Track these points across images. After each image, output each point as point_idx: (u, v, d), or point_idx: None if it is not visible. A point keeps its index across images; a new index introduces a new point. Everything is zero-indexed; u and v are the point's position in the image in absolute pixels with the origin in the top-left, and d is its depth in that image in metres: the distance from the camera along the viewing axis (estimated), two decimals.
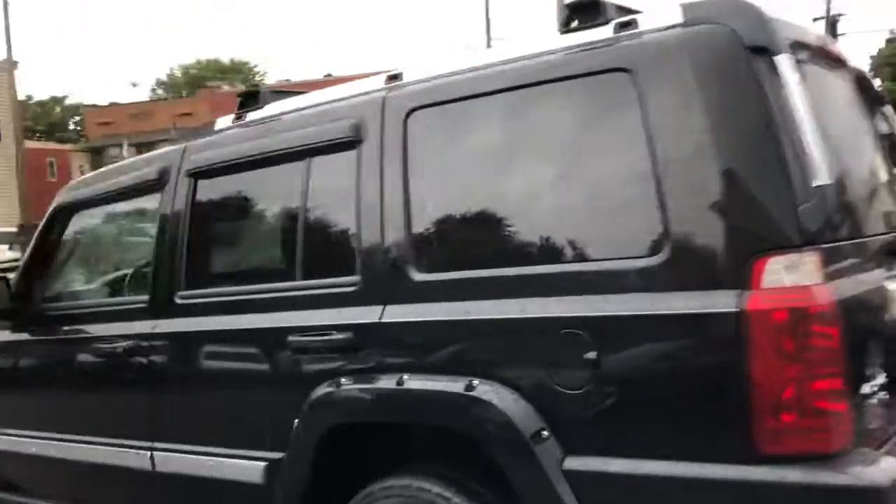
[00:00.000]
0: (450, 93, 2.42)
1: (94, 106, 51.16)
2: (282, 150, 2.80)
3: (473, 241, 2.36)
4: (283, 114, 2.95)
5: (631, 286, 2.03)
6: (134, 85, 73.33)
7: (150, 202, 3.26)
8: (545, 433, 2.10)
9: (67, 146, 47.88)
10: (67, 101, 61.40)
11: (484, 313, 2.24)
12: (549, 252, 2.19)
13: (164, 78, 63.82)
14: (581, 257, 2.13)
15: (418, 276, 2.39)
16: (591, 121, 2.18)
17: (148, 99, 55.52)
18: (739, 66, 1.99)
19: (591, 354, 2.05)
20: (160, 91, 61.94)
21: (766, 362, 1.87)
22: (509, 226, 2.27)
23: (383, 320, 2.43)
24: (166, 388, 3.01)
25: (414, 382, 2.33)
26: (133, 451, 3.11)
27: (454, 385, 2.24)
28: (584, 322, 2.07)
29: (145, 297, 3.15)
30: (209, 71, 59.27)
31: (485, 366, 2.22)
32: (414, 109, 2.49)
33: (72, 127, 60.36)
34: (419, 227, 2.43)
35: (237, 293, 2.88)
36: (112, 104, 49.16)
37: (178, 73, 63.17)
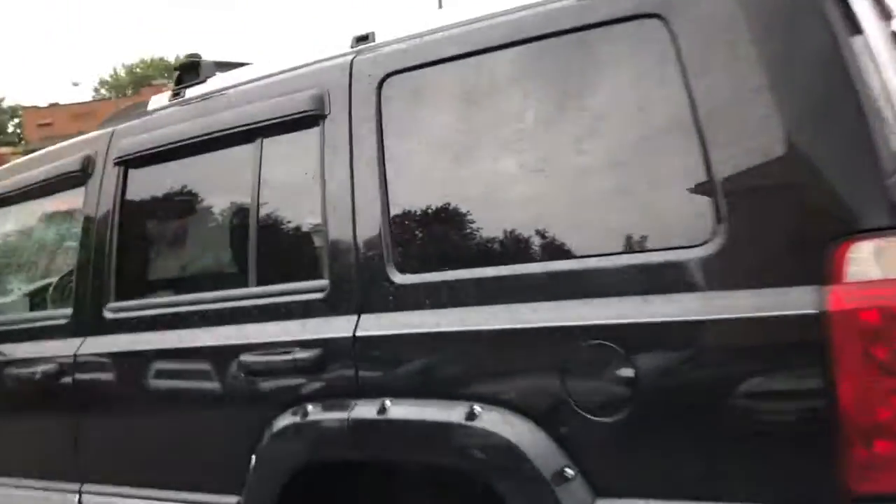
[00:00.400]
0: (436, 52, 1.98)
1: (34, 107, 49.34)
2: (228, 130, 2.33)
3: (469, 233, 1.91)
4: (228, 88, 2.47)
5: (675, 284, 1.61)
6: (75, 84, 70.96)
7: (73, 197, 2.75)
8: (570, 472, 1.67)
9: (6, 149, 46.05)
10: (5, 104, 59.16)
11: (485, 322, 1.80)
12: (568, 244, 1.77)
13: (107, 78, 61.97)
14: (610, 249, 1.71)
15: (401, 279, 1.95)
16: (617, 80, 1.75)
17: (91, 99, 53.77)
18: (803, 4, 1.59)
19: (627, 371, 1.63)
20: (104, 91, 60.11)
21: (853, 376, 1.47)
22: (515, 213, 1.83)
23: (359, 333, 1.98)
24: (95, 419, 2.52)
25: (399, 409, 1.88)
26: (57, 494, 2.60)
27: (451, 413, 1.80)
28: (616, 330, 1.65)
29: (69, 312, 2.65)
30: (155, 70, 57.61)
31: (489, 388, 1.79)
32: (390, 75, 2.05)
33: (11, 130, 58.16)
34: (400, 218, 1.99)
35: (177, 304, 2.40)
36: (52, 105, 47.45)
37: (122, 73, 61.38)
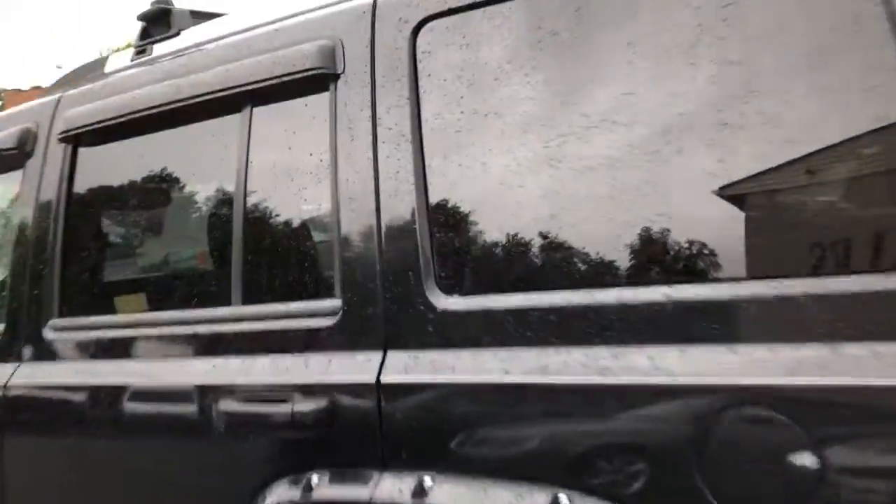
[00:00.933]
0: None
1: (17, 90, 48.36)
2: (206, 96, 1.76)
3: (548, 240, 1.34)
4: (209, 42, 1.89)
5: (890, 326, 1.05)
6: (59, 67, 69.51)
7: (6, 184, 2.17)
8: None
9: None
10: None
11: (577, 370, 1.24)
12: (710, 259, 1.20)
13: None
14: (776, 270, 1.14)
15: (446, 303, 1.38)
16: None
17: None
18: None
19: (806, 458, 1.07)
20: None
21: None
22: (621, 210, 1.26)
23: (384, 379, 1.41)
24: (26, 473, 1.93)
25: (445, 492, 1.32)
26: None
27: (525, 503, 1.24)
28: (789, 394, 1.09)
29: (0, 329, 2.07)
30: None
31: (580, 467, 1.23)
32: (430, 19, 1.48)
33: None
34: (444, 216, 1.43)
35: (137, 325, 1.82)
36: (35, 88, 46.52)
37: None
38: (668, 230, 1.20)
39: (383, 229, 1.46)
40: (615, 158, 1.26)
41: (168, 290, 1.89)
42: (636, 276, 1.23)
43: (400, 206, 1.45)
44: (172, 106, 1.81)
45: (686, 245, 1.21)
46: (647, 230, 1.22)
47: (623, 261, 1.25)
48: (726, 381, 1.13)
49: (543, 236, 1.34)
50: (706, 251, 1.19)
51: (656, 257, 1.23)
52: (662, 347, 1.18)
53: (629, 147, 1.25)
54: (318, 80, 1.59)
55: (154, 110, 1.85)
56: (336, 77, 1.57)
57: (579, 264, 1.29)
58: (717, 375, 1.14)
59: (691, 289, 1.17)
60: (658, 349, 1.18)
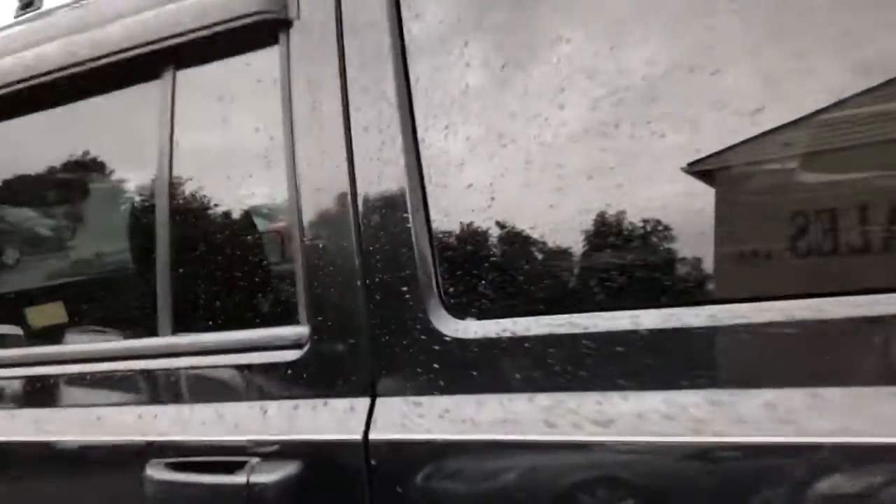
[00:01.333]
0: None
1: None
2: (115, 57, 1.33)
3: (604, 239, 0.97)
4: None
5: None
6: None
7: None
8: None
9: None
10: None
11: (655, 424, 0.87)
12: (851, 257, 0.84)
13: None
14: None
15: (455, 328, 1.00)
16: None
17: None
18: None
19: None
20: None
21: None
22: (715, 191, 0.90)
23: (374, 436, 1.03)
24: None
25: None
26: None
27: None
28: None
29: None
30: None
31: None
32: None
33: None
34: (449, 209, 1.04)
35: (31, 363, 1.38)
36: None
37: None
38: (789, 219, 0.84)
39: (363, 229, 1.07)
40: (699, 115, 0.89)
41: (70, 316, 1.46)
42: (742, 288, 0.87)
43: (385, 196, 1.06)
44: (69, 72, 1.38)
45: (812, 239, 0.85)
46: (758, 220, 0.86)
47: (724, 268, 0.88)
48: (883, 440, 0.79)
49: (593, 234, 0.96)
50: (846, 247, 0.84)
51: (777, 260, 0.86)
52: (784, 391, 0.83)
53: (722, 105, 0.88)
54: (264, 30, 1.19)
55: (45, 78, 1.41)
56: (288, 24, 1.17)
57: (653, 274, 0.92)
58: (871, 432, 0.79)
59: (827, 304, 0.82)
60: (777, 393, 0.83)
